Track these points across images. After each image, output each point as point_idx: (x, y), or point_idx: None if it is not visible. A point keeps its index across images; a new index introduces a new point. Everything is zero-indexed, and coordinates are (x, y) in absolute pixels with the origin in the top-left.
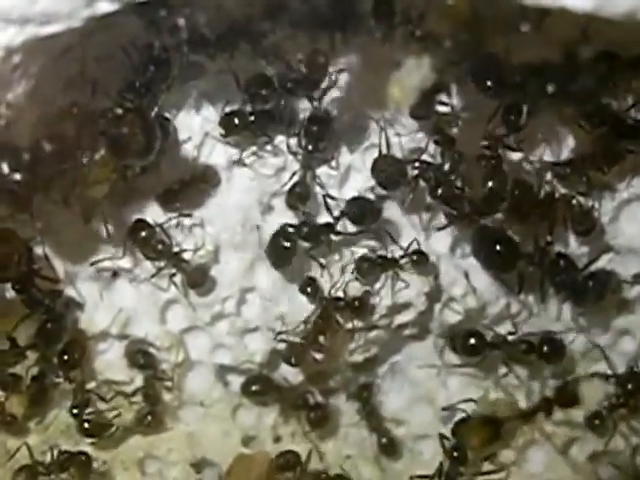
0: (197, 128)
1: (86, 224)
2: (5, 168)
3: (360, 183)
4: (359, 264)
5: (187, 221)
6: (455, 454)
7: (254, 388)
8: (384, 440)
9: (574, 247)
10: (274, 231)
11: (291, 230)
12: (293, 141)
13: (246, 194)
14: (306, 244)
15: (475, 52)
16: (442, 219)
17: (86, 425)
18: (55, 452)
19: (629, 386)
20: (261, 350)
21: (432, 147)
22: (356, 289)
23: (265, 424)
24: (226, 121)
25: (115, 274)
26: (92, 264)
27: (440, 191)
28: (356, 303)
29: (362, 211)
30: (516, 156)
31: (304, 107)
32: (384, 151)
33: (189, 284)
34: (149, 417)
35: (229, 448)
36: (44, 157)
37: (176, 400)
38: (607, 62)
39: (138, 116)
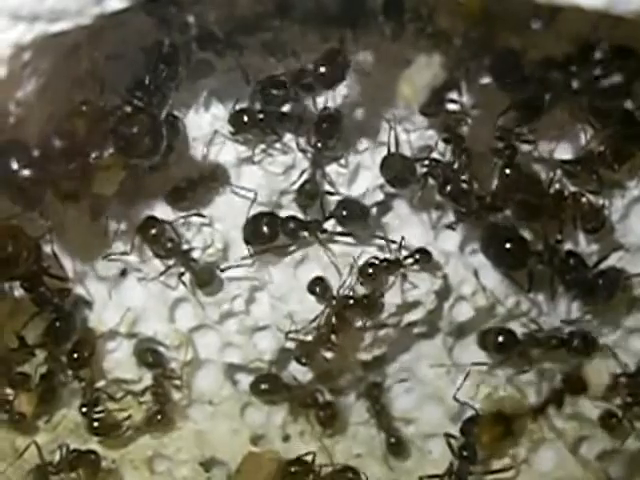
0: (206, 126)
1: (94, 221)
2: (15, 165)
3: (369, 181)
4: (363, 270)
5: (196, 219)
6: (464, 453)
7: (263, 387)
8: (392, 439)
9: (584, 245)
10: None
11: (277, 221)
12: (302, 139)
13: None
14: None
15: (486, 49)
16: (451, 217)
17: (95, 424)
18: (64, 451)
19: None
20: (270, 349)
21: (441, 145)
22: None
23: (274, 423)
24: (235, 119)
25: (124, 273)
26: (105, 257)
27: (449, 189)
28: (365, 301)
29: (349, 213)
30: (526, 153)
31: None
32: (393, 149)
33: (197, 283)
34: (158, 416)
35: (238, 447)
36: (54, 154)
37: (185, 399)
38: (622, 58)
39: (145, 115)
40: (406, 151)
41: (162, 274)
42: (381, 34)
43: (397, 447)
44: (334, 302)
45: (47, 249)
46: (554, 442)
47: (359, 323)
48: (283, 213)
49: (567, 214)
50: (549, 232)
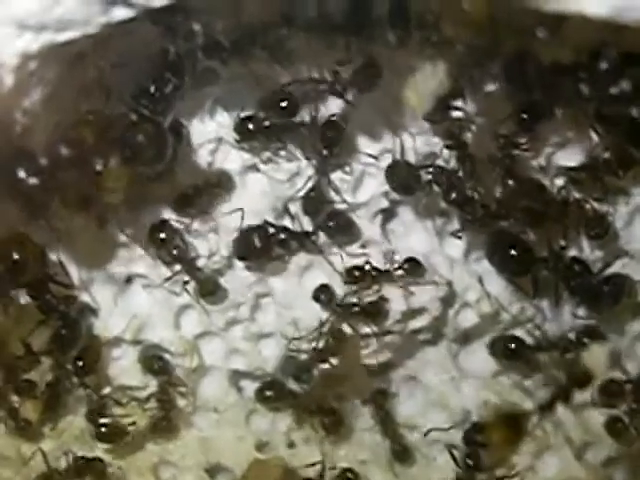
0: (211, 133)
1: (100, 229)
2: (22, 173)
3: (374, 188)
4: (349, 272)
5: (202, 227)
6: (469, 461)
7: (268, 394)
8: (397, 446)
9: (588, 252)
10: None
11: (271, 231)
12: (307, 146)
13: (260, 199)
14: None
15: (491, 57)
16: (456, 224)
17: (102, 430)
18: (70, 458)
19: None
20: (275, 356)
21: (446, 152)
22: (370, 295)
23: (279, 429)
24: (241, 126)
25: (129, 280)
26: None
27: (454, 196)
28: (370, 308)
29: (336, 224)
30: (530, 159)
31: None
32: (398, 156)
33: (201, 292)
34: (163, 422)
35: (243, 453)
36: (60, 163)
37: (190, 405)
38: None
39: (151, 123)
40: (411, 158)
41: (167, 280)
42: (386, 42)
43: (402, 454)
44: (339, 309)
45: (53, 256)
46: (559, 448)
47: (364, 330)
48: (288, 220)
49: (571, 220)
50: (553, 238)
